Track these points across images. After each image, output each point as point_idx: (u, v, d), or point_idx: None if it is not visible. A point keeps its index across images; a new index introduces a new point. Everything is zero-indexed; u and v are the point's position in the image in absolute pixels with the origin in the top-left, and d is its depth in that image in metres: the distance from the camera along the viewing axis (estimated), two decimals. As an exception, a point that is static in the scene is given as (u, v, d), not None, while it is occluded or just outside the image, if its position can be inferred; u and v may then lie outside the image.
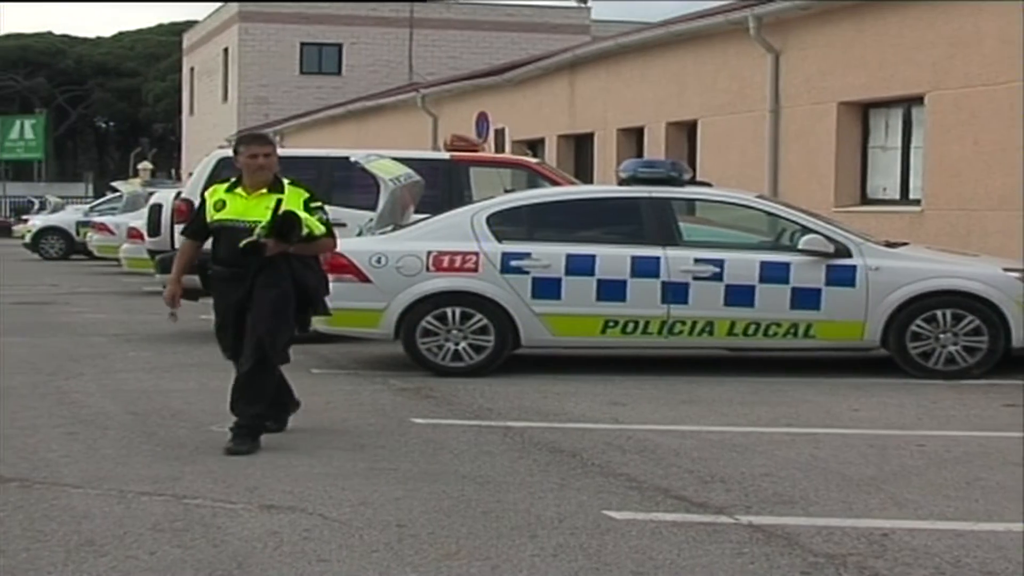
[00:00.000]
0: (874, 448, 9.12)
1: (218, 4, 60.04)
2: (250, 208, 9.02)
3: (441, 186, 15.56)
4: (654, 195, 12.97)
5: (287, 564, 6.20)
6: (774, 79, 21.57)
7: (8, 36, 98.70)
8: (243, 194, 9.10)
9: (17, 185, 79.24)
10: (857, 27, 19.78)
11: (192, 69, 65.71)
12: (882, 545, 6.59)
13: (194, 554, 6.37)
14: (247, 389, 9.03)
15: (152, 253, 18.04)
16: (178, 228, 13.46)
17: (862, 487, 7.92)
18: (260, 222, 8.89)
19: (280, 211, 8.91)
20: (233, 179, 9.27)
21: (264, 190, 9.08)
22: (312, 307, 9.44)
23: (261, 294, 8.95)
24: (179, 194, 17.63)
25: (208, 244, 9.40)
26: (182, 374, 12.81)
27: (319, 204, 9.19)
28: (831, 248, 12.61)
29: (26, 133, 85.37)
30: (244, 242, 8.81)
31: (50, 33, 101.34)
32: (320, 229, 9.08)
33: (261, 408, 9.06)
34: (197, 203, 9.61)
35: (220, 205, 9.14)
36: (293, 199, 9.03)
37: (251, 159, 9.11)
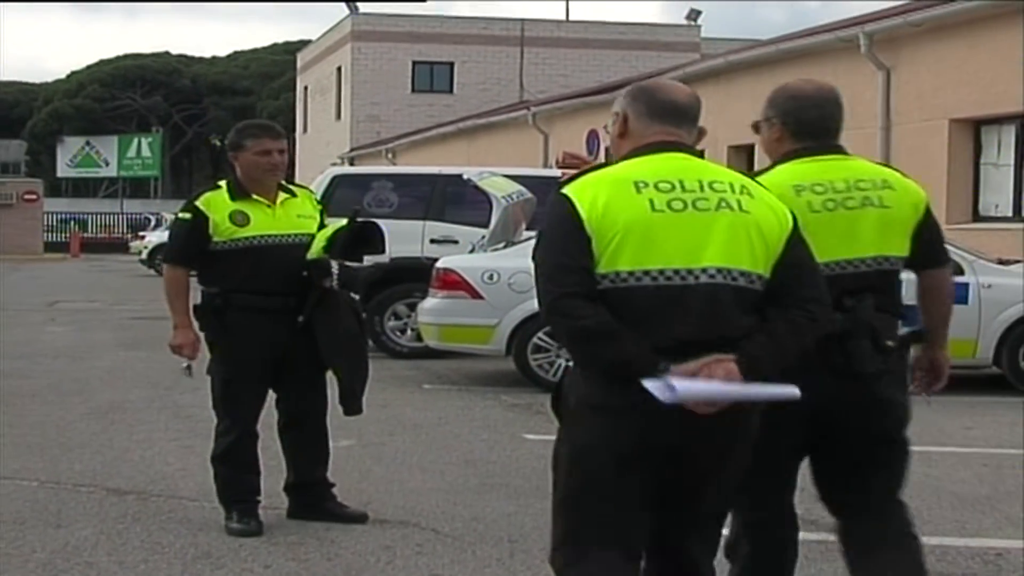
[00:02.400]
0: (988, 467, 9.08)
1: (333, 21, 60.71)
2: (280, 220, 7.19)
3: (552, 203, 15.59)
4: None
5: None
6: (885, 96, 21.49)
7: (127, 56, 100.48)
8: (263, 201, 7.17)
9: (133, 202, 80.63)
10: (969, 44, 19.64)
11: (306, 88, 66.41)
12: (996, 565, 6.59)
13: (308, 567, 6.46)
14: (321, 448, 7.49)
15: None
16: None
17: (976, 506, 7.89)
18: (302, 235, 7.20)
19: (355, 222, 7.19)
20: (222, 185, 7.31)
21: (285, 195, 7.27)
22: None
23: (328, 333, 7.14)
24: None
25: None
26: (296, 389, 12.99)
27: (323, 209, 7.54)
28: (944, 265, 12.55)
29: (143, 151, 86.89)
30: (341, 263, 7.20)
31: (167, 53, 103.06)
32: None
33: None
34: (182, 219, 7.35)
35: (240, 218, 7.10)
36: (311, 202, 7.46)
37: (262, 156, 7.14)
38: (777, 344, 4.05)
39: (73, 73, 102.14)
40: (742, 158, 26.32)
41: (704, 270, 3.99)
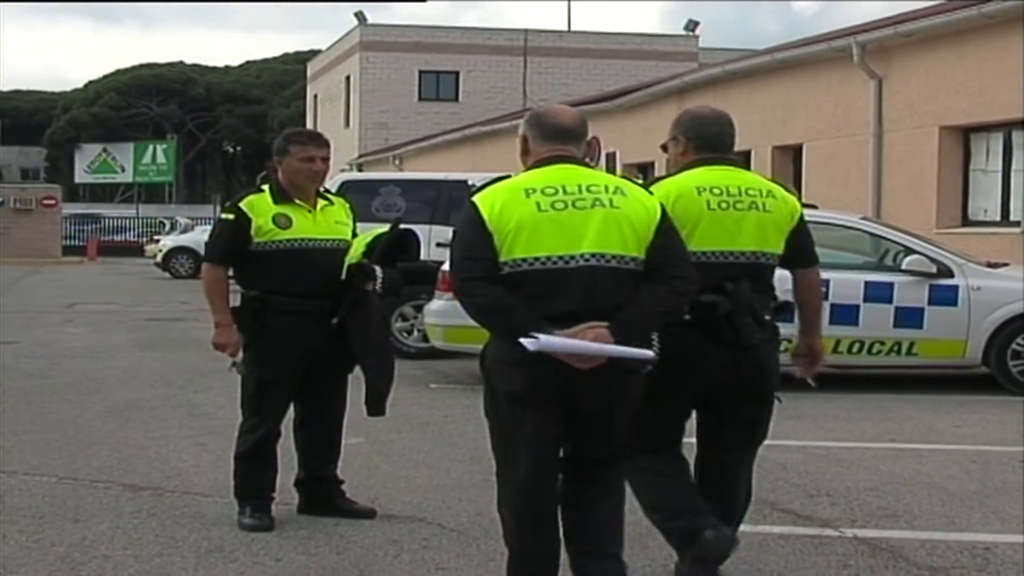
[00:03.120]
0: (976, 464, 9.20)
1: (343, 31, 60.84)
2: (320, 224, 7.35)
3: (556, 208, 15.73)
4: (761, 216, 13.12)
5: (407, 572, 6.39)
6: (877, 104, 21.64)
7: (142, 66, 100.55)
8: (304, 206, 7.31)
9: (149, 207, 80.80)
10: (958, 53, 19.79)
11: (316, 96, 66.49)
12: (985, 559, 6.69)
13: (318, 561, 6.56)
14: (334, 446, 7.67)
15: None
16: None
17: (965, 502, 8.01)
18: (340, 240, 7.38)
19: (396, 229, 7.38)
20: (264, 188, 7.41)
21: (324, 202, 7.45)
22: None
23: (361, 335, 7.30)
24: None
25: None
26: (306, 391, 13.10)
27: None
28: (934, 268, 12.74)
29: (158, 157, 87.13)
30: (386, 269, 7.28)
31: (182, 63, 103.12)
32: None
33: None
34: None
35: (283, 221, 7.22)
36: (345, 211, 7.61)
37: (306, 162, 7.30)
38: (644, 313, 5.18)
39: (91, 82, 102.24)
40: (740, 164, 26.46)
41: (582, 255, 5.15)
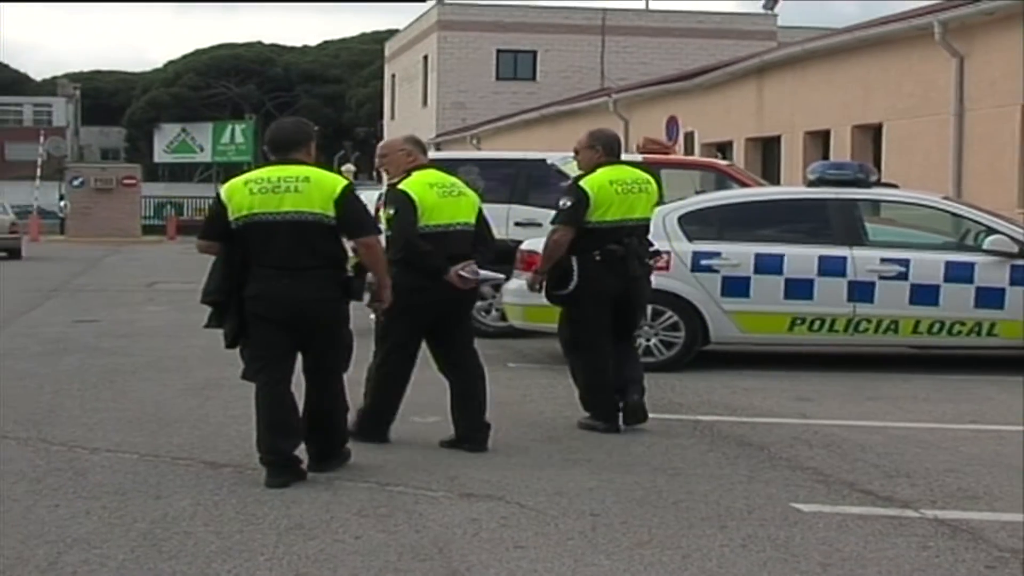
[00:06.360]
0: (1057, 445, 9.09)
1: (420, 11, 60.97)
2: None
3: (633, 187, 15.72)
4: (841, 196, 13.05)
5: (485, 550, 6.38)
6: (958, 83, 21.43)
7: (221, 46, 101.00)
8: None
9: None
10: (1040, 31, 19.57)
11: (393, 76, 66.65)
12: (1066, 541, 6.59)
13: (397, 539, 6.58)
14: None
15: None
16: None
17: (1044, 483, 7.90)
18: None
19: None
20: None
21: None
22: None
23: None
24: (381, 195, 18.07)
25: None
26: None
27: None
28: (1015, 248, 12.57)
29: (237, 137, 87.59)
30: None
31: (260, 43, 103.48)
32: None
33: None
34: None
35: None
36: None
37: None
38: (483, 256, 9.00)
39: (170, 63, 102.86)
40: (818, 144, 26.26)
41: (459, 223, 8.95)
